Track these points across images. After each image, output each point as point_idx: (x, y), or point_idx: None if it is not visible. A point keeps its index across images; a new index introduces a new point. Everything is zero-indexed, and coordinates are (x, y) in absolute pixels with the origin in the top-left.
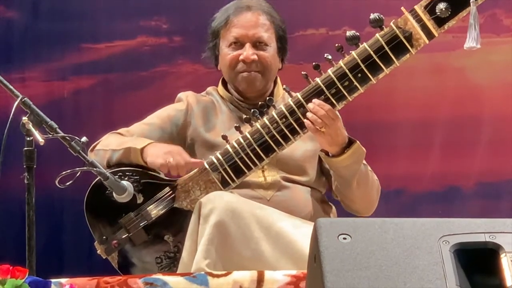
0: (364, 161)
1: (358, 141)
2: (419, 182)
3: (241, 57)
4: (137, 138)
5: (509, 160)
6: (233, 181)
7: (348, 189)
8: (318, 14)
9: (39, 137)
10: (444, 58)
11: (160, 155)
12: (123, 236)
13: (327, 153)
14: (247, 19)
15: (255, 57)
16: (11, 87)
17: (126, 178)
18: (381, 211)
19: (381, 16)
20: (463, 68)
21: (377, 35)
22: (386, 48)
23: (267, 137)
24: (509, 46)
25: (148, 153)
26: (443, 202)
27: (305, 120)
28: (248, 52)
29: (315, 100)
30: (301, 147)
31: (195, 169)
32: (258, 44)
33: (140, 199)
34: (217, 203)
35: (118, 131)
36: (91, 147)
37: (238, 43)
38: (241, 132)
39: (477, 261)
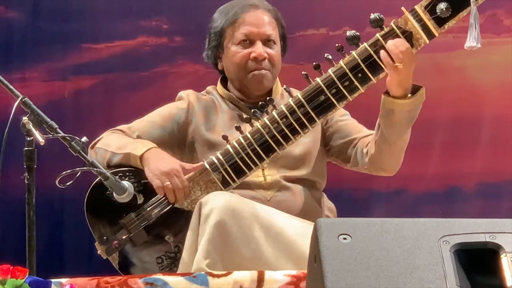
0: None
1: (423, 87)
2: (419, 182)
3: (253, 55)
4: (137, 141)
5: (510, 160)
6: (233, 181)
7: (398, 137)
8: (319, 14)
9: (40, 137)
10: (445, 58)
11: (158, 174)
12: (124, 237)
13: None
14: (256, 16)
15: (266, 55)
16: (11, 87)
17: (126, 179)
18: (382, 211)
19: (381, 16)
20: (463, 68)
21: (377, 34)
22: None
23: (267, 137)
24: (510, 46)
25: (147, 162)
26: (444, 203)
27: (382, 52)
28: (260, 49)
29: (396, 40)
30: (300, 141)
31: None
32: (267, 42)
33: (140, 199)
34: (217, 203)
35: (119, 127)
36: (91, 144)
37: (248, 41)
38: (241, 132)
39: (477, 261)
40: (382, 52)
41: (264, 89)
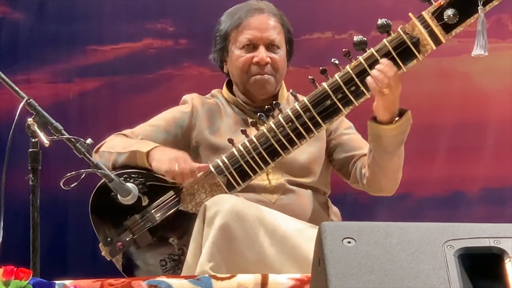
0: None
1: (409, 110)
2: (424, 186)
3: (255, 59)
4: (142, 141)
5: None
6: (238, 184)
7: (388, 161)
8: (324, 18)
9: (44, 139)
10: (450, 63)
11: (166, 161)
12: (128, 238)
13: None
14: (260, 21)
15: (269, 59)
16: (16, 88)
17: (131, 180)
18: (386, 215)
19: (389, 21)
20: (468, 73)
21: (384, 40)
22: (393, 53)
23: (273, 141)
24: None
25: (153, 157)
26: (448, 207)
27: (368, 79)
28: (262, 54)
29: (384, 60)
30: (305, 150)
31: (196, 176)
32: (270, 46)
33: (145, 201)
34: (222, 206)
35: (123, 132)
36: (96, 148)
37: (251, 45)
38: (247, 136)
39: (481, 266)
40: (368, 77)
41: (267, 94)
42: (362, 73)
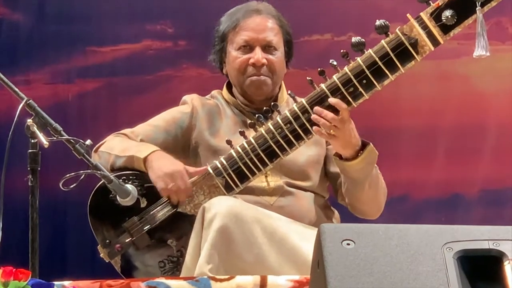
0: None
1: (371, 143)
2: (422, 189)
3: (251, 61)
4: (140, 144)
5: None
6: (237, 186)
7: (360, 191)
8: (323, 20)
9: (44, 140)
10: (449, 65)
11: (162, 176)
12: (127, 240)
13: (340, 157)
14: (256, 22)
15: (265, 61)
16: (16, 89)
17: (130, 182)
18: (384, 218)
19: (387, 22)
20: (468, 75)
21: (382, 41)
22: (392, 54)
23: (271, 142)
24: None
25: (151, 165)
26: (447, 209)
27: (314, 127)
28: (258, 55)
29: (331, 99)
30: (304, 152)
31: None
32: (267, 48)
33: (143, 203)
34: (220, 208)
35: (123, 131)
36: (95, 148)
37: (248, 47)
38: (245, 137)
39: (480, 268)
40: (314, 126)
41: (263, 95)
42: (360, 74)
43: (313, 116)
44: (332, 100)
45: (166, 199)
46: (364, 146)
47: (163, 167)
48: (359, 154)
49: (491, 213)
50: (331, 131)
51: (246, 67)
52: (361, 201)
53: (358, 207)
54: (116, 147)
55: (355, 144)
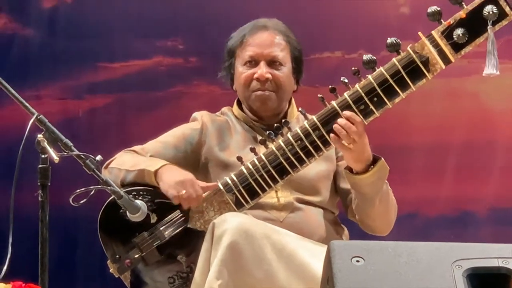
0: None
1: (383, 158)
2: (432, 206)
3: (255, 75)
4: (151, 159)
5: None
6: (247, 202)
7: (370, 207)
8: (334, 37)
9: (54, 155)
10: (459, 83)
11: (173, 185)
12: (136, 255)
13: (350, 170)
14: (262, 38)
15: (269, 75)
16: (27, 104)
17: (140, 198)
18: (394, 235)
19: (398, 40)
20: (478, 93)
21: (394, 59)
22: (403, 72)
23: (282, 159)
24: None
25: (161, 177)
26: (456, 227)
27: (332, 135)
28: (262, 70)
29: (346, 112)
30: (314, 168)
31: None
32: (272, 63)
33: (153, 218)
34: (230, 224)
35: (133, 148)
36: (105, 164)
37: (253, 62)
38: (256, 154)
39: (489, 286)
40: (331, 134)
41: (269, 111)
42: (371, 92)
43: (336, 126)
44: (346, 113)
45: (176, 215)
46: (375, 161)
47: (174, 177)
48: (370, 169)
49: (500, 231)
50: (349, 144)
51: (251, 82)
52: (371, 217)
53: (368, 223)
54: (126, 162)
55: (367, 159)
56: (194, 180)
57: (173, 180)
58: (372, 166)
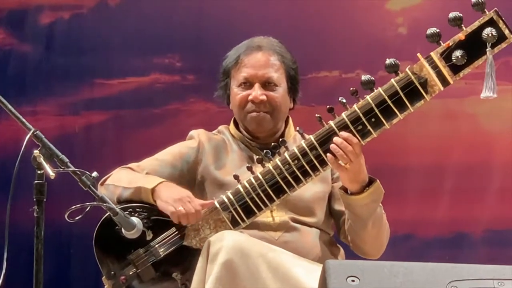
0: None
1: (378, 180)
2: (427, 227)
3: (250, 97)
4: (147, 176)
5: None
6: (243, 221)
7: (363, 229)
8: (331, 57)
9: (50, 171)
10: (457, 104)
11: (170, 202)
12: (131, 272)
13: (346, 191)
14: (257, 59)
15: (264, 97)
16: (23, 119)
17: (136, 215)
18: (389, 255)
19: (397, 61)
20: (475, 114)
21: (392, 80)
22: (401, 93)
23: (278, 178)
24: None
25: (158, 195)
26: (451, 248)
27: (328, 155)
28: (257, 92)
29: (343, 133)
30: (310, 189)
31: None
32: (267, 84)
33: (149, 235)
34: (226, 242)
35: (129, 165)
36: (101, 180)
37: (248, 83)
38: (252, 172)
39: None
40: (328, 154)
41: (264, 131)
42: (369, 113)
43: (332, 146)
44: (343, 134)
45: (172, 232)
46: (371, 182)
47: (172, 194)
48: (365, 190)
49: (495, 253)
50: (346, 163)
51: (245, 103)
52: (363, 240)
53: (360, 246)
54: (123, 179)
55: (363, 179)
56: (192, 197)
57: (171, 197)
58: (367, 188)
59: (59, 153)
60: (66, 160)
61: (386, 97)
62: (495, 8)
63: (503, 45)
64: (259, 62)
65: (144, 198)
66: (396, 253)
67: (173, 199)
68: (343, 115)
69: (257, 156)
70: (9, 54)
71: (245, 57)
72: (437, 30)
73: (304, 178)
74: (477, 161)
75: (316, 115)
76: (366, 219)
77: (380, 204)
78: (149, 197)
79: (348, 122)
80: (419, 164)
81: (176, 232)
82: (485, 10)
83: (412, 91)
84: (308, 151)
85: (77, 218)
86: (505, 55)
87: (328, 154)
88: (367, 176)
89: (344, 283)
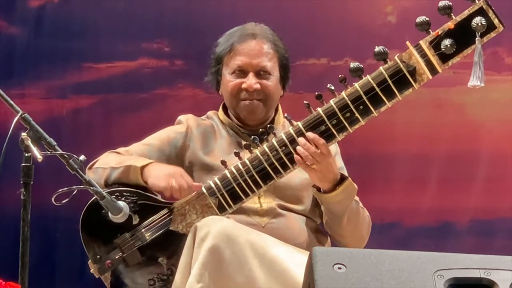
0: (357, 198)
1: (349, 178)
2: (414, 216)
3: (243, 86)
4: (137, 157)
5: (505, 198)
6: (230, 206)
7: (338, 225)
8: (320, 44)
9: (38, 154)
10: (445, 93)
11: (162, 177)
12: (117, 256)
13: (318, 189)
14: (251, 47)
15: (258, 86)
16: (11, 102)
17: (123, 199)
18: (375, 244)
19: (386, 49)
20: (463, 104)
21: (381, 68)
22: (390, 81)
23: (266, 165)
24: (509, 84)
25: (149, 173)
26: (437, 237)
27: (295, 156)
28: (251, 81)
29: (309, 134)
30: (298, 176)
31: (193, 193)
32: (261, 73)
33: (136, 220)
34: (212, 228)
35: (117, 150)
36: (89, 165)
37: (241, 71)
38: (240, 158)
39: None
40: (295, 155)
41: (257, 120)
42: (357, 100)
43: (298, 148)
44: (310, 135)
45: (159, 217)
46: (343, 180)
47: (163, 170)
48: (337, 188)
49: (481, 243)
50: (312, 164)
51: (238, 91)
52: (340, 234)
53: (338, 240)
54: (111, 161)
55: (333, 178)
56: (184, 172)
57: (162, 173)
58: (338, 186)
59: (47, 136)
60: (54, 143)
61: (375, 85)
62: None
63: (492, 34)
64: (253, 50)
65: (133, 178)
66: (382, 241)
67: (164, 174)
68: (331, 102)
69: (245, 142)
70: None
71: (239, 45)
72: (427, 19)
73: (291, 165)
74: (464, 150)
75: (305, 101)
76: (340, 215)
77: (357, 199)
78: (138, 177)
79: (336, 109)
80: (406, 152)
81: (163, 217)
82: None
83: (401, 79)
84: (296, 137)
85: (64, 201)
86: (494, 45)
87: (295, 156)
88: (338, 174)
89: (331, 270)
